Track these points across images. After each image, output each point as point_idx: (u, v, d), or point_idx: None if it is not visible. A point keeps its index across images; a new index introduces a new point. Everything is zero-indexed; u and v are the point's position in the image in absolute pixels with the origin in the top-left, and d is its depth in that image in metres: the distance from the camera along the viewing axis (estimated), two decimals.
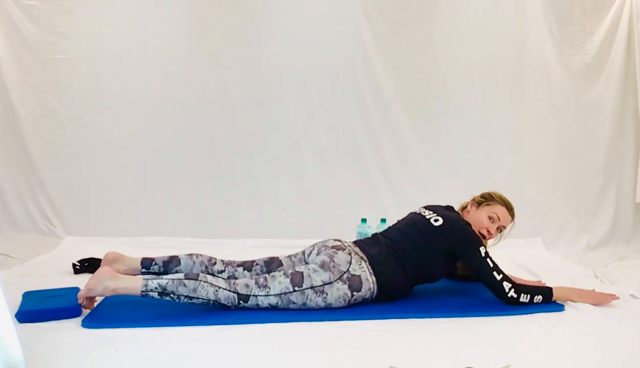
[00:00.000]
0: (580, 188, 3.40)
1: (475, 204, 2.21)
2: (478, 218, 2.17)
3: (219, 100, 3.22)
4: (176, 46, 3.18)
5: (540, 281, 2.36)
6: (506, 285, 1.99)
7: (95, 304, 1.91)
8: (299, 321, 1.84)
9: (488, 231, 2.16)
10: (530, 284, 2.17)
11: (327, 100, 3.28)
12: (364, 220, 2.83)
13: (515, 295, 1.99)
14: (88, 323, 1.77)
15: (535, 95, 3.36)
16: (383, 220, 2.85)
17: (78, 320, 1.79)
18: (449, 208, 2.25)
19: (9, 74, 3.08)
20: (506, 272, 2.05)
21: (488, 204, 2.20)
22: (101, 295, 1.86)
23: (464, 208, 2.28)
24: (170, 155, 3.23)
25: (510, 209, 2.22)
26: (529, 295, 2.01)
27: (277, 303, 1.91)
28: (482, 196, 2.23)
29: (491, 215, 2.17)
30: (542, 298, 2.03)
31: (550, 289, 2.06)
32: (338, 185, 3.30)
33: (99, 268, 1.92)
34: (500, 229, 2.20)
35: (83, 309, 1.86)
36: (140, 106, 3.19)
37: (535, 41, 3.31)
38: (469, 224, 2.12)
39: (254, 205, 3.27)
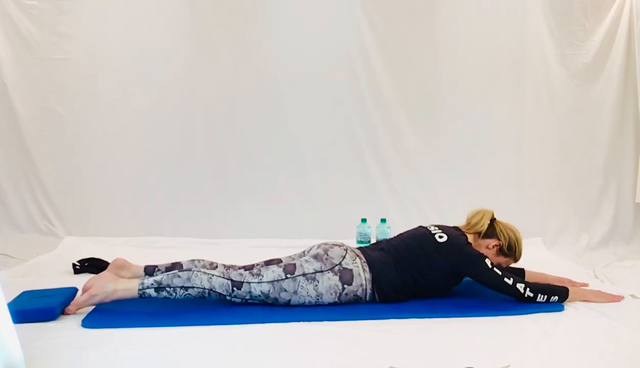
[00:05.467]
0: (580, 189, 3.40)
1: (497, 249, 2.20)
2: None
3: (219, 100, 3.23)
4: (176, 46, 3.18)
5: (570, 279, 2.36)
6: (520, 287, 2.02)
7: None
8: (299, 321, 1.84)
9: None
10: (554, 280, 2.27)
11: (327, 100, 3.28)
12: (364, 220, 2.83)
13: (531, 294, 2.02)
14: (88, 323, 1.77)
15: (535, 95, 3.35)
16: (383, 220, 2.85)
17: (78, 320, 1.79)
18: (456, 228, 2.24)
19: (9, 74, 3.08)
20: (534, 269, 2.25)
21: (507, 258, 2.22)
22: (101, 301, 1.87)
23: (471, 227, 2.22)
24: (170, 155, 3.23)
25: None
26: (545, 296, 2.03)
27: (269, 291, 1.93)
28: (510, 248, 2.20)
29: (502, 265, 2.21)
30: (559, 298, 2.05)
31: (566, 289, 2.08)
32: (338, 185, 3.30)
33: (102, 273, 1.97)
34: None
35: (66, 312, 1.85)
36: (141, 106, 3.19)
37: (535, 41, 3.31)
38: (469, 244, 2.13)
39: (254, 205, 3.27)
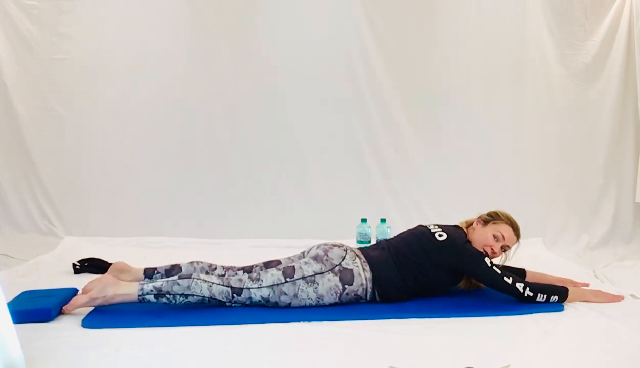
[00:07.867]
0: (581, 188, 3.40)
1: (482, 222, 2.19)
2: (483, 236, 2.14)
3: (219, 100, 3.22)
4: (176, 46, 3.18)
5: (571, 279, 2.36)
6: (519, 286, 2.01)
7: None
8: (299, 321, 1.84)
9: (492, 249, 2.12)
10: (555, 280, 2.25)
11: (327, 101, 3.28)
12: (364, 220, 2.83)
13: (531, 294, 2.01)
14: (88, 323, 1.77)
15: (535, 95, 3.36)
16: (383, 220, 2.85)
17: (78, 320, 1.79)
18: (456, 227, 2.24)
19: (9, 74, 3.08)
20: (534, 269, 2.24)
21: (494, 223, 2.17)
22: (101, 304, 1.87)
23: (469, 225, 2.25)
24: (170, 155, 3.23)
25: (516, 229, 2.19)
26: (545, 295, 2.03)
27: (269, 295, 1.93)
28: (489, 214, 2.20)
29: (496, 234, 2.14)
30: (559, 298, 2.05)
31: (566, 289, 2.08)
32: (338, 185, 3.30)
33: (103, 276, 1.96)
34: (504, 249, 2.18)
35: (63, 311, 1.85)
36: (141, 106, 3.19)
37: (535, 41, 3.31)
38: (469, 242, 2.13)
39: (254, 205, 3.27)
